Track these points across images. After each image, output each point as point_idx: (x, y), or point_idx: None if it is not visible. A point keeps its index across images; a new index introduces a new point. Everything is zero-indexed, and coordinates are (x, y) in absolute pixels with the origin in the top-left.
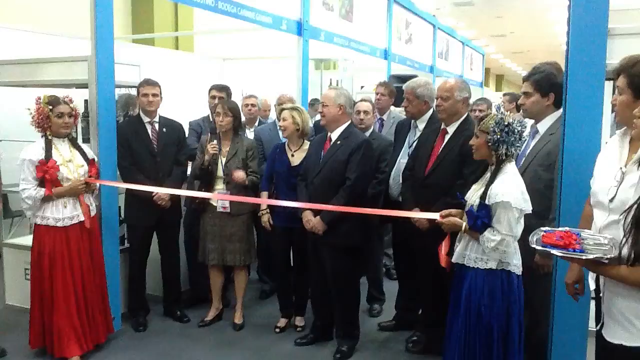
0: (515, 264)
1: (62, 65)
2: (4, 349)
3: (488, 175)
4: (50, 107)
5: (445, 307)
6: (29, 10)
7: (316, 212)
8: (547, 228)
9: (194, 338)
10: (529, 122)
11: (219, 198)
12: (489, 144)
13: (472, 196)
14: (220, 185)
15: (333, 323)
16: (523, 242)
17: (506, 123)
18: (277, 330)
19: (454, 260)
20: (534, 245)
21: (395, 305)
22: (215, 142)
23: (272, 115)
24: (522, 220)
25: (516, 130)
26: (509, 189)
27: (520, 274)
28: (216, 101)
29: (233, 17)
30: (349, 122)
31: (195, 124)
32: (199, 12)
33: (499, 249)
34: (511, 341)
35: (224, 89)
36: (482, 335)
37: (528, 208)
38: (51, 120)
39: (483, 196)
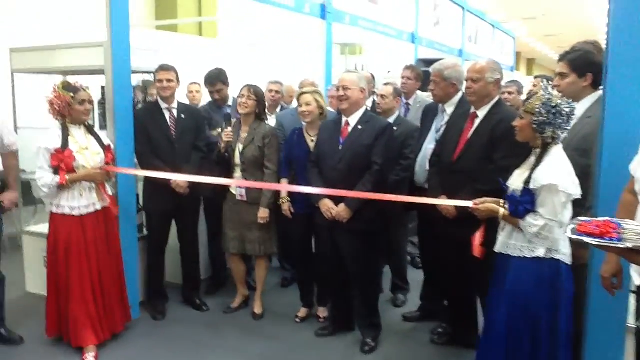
0: (565, 253)
1: (79, 51)
2: (21, 337)
3: (533, 159)
4: (72, 94)
5: (472, 298)
6: None
7: (334, 200)
8: (584, 218)
9: (213, 327)
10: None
11: (237, 185)
12: (534, 126)
13: (515, 181)
14: (238, 173)
15: (353, 313)
16: None
17: (554, 104)
18: (298, 320)
19: (497, 250)
20: (567, 234)
21: (420, 296)
22: (229, 129)
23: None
24: (569, 206)
25: (564, 112)
26: (556, 172)
27: (570, 263)
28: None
29: (254, 1)
30: (365, 106)
31: (204, 111)
32: None
33: (541, 234)
34: (559, 334)
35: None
36: (528, 327)
37: (577, 192)
38: (72, 108)
39: (527, 181)
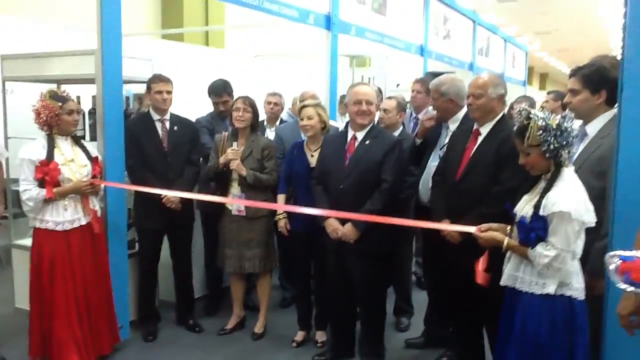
0: (577, 288)
1: (72, 59)
2: (4, 357)
3: (543, 184)
4: (60, 103)
5: (480, 326)
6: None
7: (340, 218)
8: (621, 253)
9: (206, 349)
10: (577, 122)
11: (233, 202)
12: (547, 155)
13: (524, 207)
14: (235, 188)
15: (354, 339)
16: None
17: (554, 126)
18: (294, 344)
19: (502, 283)
20: (621, 286)
21: (424, 320)
22: (235, 144)
23: None
24: (583, 235)
25: (569, 128)
26: (569, 197)
27: (584, 298)
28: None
29: (255, 10)
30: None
31: (205, 121)
32: (230, 8)
33: (552, 265)
34: None
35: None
36: None
37: (592, 220)
38: (60, 118)
39: (537, 206)
